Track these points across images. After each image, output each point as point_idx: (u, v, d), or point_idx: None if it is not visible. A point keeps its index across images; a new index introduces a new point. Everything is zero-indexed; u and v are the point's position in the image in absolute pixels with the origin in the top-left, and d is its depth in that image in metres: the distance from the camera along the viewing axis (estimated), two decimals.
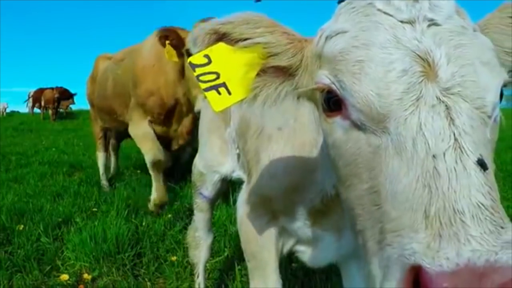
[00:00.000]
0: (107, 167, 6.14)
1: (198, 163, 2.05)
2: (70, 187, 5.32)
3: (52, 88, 19.75)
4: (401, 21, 0.67)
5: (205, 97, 0.84)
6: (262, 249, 1.32)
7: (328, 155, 0.83)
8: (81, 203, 4.44)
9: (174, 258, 2.94)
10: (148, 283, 2.63)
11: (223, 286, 2.59)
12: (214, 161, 1.92)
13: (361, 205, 0.68)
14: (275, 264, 1.34)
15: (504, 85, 0.71)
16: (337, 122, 0.72)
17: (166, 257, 3.00)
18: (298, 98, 0.86)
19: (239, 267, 2.61)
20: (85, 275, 2.68)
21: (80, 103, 25.14)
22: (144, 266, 2.88)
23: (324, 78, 0.71)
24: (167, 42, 3.39)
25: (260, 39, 0.81)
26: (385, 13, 0.68)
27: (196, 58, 0.81)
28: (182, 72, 3.72)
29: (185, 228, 3.56)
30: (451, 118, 0.60)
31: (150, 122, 4.14)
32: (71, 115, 22.70)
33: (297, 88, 0.84)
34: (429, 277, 0.52)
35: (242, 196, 1.44)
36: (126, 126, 4.64)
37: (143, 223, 3.61)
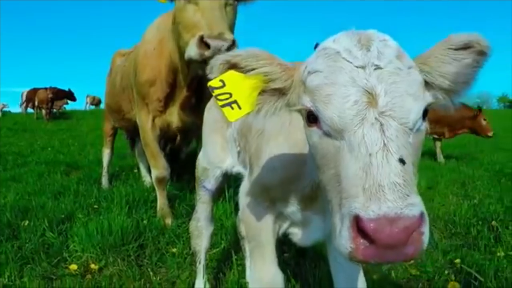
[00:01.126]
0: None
1: (202, 159, 2.28)
2: (70, 186, 5.43)
3: (46, 88, 19.74)
4: (357, 66, 0.97)
5: (222, 111, 1.13)
6: (261, 232, 1.56)
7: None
8: (82, 200, 4.60)
9: (174, 249, 3.14)
10: (151, 273, 2.83)
11: (221, 274, 2.80)
12: (216, 157, 2.16)
13: (329, 183, 1.02)
14: (272, 245, 1.59)
15: (429, 104, 1.03)
16: (314, 130, 1.04)
17: (167, 249, 3.20)
18: (290, 110, 1.16)
19: (235, 257, 2.81)
20: (92, 265, 2.86)
21: (73, 104, 24.99)
22: (147, 257, 3.09)
23: (307, 102, 1.04)
24: None
25: (262, 69, 1.11)
26: (347, 60, 0.99)
27: (214, 82, 1.11)
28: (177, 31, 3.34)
29: (183, 223, 3.76)
30: (383, 130, 0.93)
31: (153, 120, 4.00)
32: (64, 115, 22.66)
33: (289, 103, 1.15)
34: (363, 222, 0.86)
35: (244, 187, 1.70)
36: (132, 125, 4.56)
37: (144, 218, 3.80)
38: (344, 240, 0.89)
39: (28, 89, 22.26)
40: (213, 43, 2.76)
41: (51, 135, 13.91)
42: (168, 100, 3.88)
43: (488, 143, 13.93)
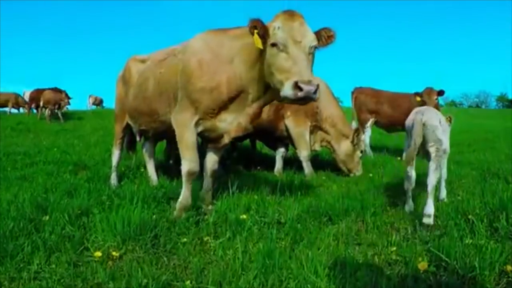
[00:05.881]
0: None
1: None
2: (80, 184, 5.73)
3: (51, 89, 20.13)
4: None
5: None
6: None
7: None
8: (95, 197, 4.94)
9: (185, 239, 3.54)
10: (165, 258, 3.22)
11: (227, 258, 3.20)
12: None
13: None
14: None
15: None
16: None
17: (178, 238, 3.60)
18: None
19: (239, 244, 3.22)
20: (114, 253, 3.25)
21: (75, 104, 25.42)
22: (161, 245, 3.46)
23: None
24: (255, 31, 3.75)
25: None
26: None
27: None
28: (255, 61, 3.98)
29: (191, 217, 4.14)
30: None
31: (198, 120, 4.26)
32: (64, 115, 22.92)
33: None
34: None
35: None
36: (166, 126, 4.75)
37: (155, 213, 4.19)
38: None
39: (28, 89, 22.64)
40: (305, 87, 3.48)
41: (56, 136, 14.22)
42: (221, 109, 4.25)
43: (482, 142, 14.25)
